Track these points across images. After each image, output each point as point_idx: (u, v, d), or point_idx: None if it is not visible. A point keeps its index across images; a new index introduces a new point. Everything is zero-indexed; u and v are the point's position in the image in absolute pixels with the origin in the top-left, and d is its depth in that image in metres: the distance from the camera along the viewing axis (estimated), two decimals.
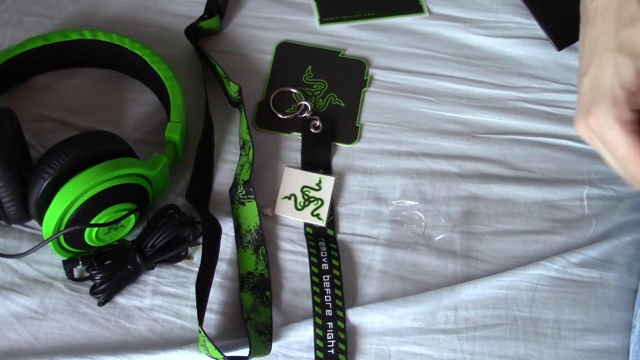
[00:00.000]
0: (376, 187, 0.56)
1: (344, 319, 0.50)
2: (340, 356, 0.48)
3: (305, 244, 0.53)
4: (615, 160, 0.37)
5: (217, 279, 0.51)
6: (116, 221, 0.48)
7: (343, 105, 0.60)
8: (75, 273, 0.51)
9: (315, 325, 0.49)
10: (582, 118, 0.37)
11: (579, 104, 0.39)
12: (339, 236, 0.54)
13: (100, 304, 0.50)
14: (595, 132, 0.36)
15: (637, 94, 0.36)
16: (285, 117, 0.59)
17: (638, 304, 0.52)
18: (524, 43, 0.63)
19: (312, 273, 0.52)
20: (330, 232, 0.54)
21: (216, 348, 0.45)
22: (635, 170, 0.36)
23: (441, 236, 0.54)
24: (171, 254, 0.50)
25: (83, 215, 0.46)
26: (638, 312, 0.51)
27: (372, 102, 0.60)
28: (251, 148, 0.55)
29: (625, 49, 0.36)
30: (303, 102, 0.59)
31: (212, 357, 0.47)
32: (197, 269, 0.50)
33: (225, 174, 0.56)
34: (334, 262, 0.52)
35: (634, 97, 0.36)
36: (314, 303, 0.50)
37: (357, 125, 0.59)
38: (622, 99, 0.36)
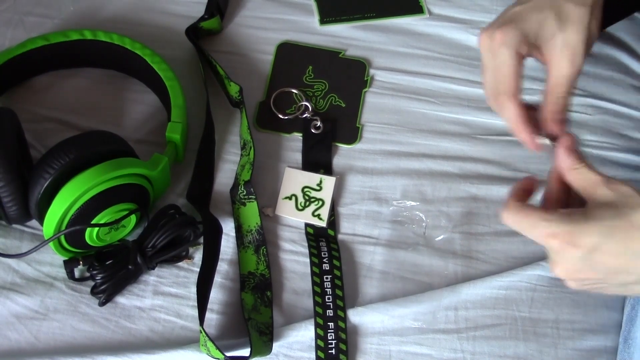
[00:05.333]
0: (377, 187, 0.56)
1: (344, 319, 0.50)
2: (341, 356, 0.49)
3: (306, 244, 0.53)
4: (493, 75, 0.45)
5: (218, 279, 0.51)
6: (117, 221, 0.48)
7: (343, 105, 0.60)
8: (76, 273, 0.50)
9: (316, 325, 0.49)
10: (492, 29, 0.44)
11: (501, 18, 0.45)
12: (340, 236, 0.54)
13: (101, 304, 0.50)
14: (493, 43, 0.44)
15: (536, 50, 0.44)
16: (286, 117, 0.59)
17: None
18: None
19: (313, 273, 0.52)
20: (331, 232, 0.54)
21: (217, 348, 0.45)
22: (507, 87, 0.44)
23: (442, 237, 0.54)
24: (172, 254, 0.50)
25: (84, 215, 0.46)
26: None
27: (373, 103, 0.60)
28: (252, 148, 0.55)
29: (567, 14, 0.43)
30: (304, 103, 0.59)
31: (213, 357, 0.47)
32: (198, 269, 0.50)
33: (226, 174, 0.56)
34: (335, 262, 0.52)
35: (534, 50, 0.44)
36: (315, 303, 0.50)
37: (357, 125, 0.59)
38: (529, 40, 0.43)
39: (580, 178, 0.41)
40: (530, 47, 0.44)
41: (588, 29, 0.44)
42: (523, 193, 0.42)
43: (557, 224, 0.38)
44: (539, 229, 0.39)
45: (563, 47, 0.44)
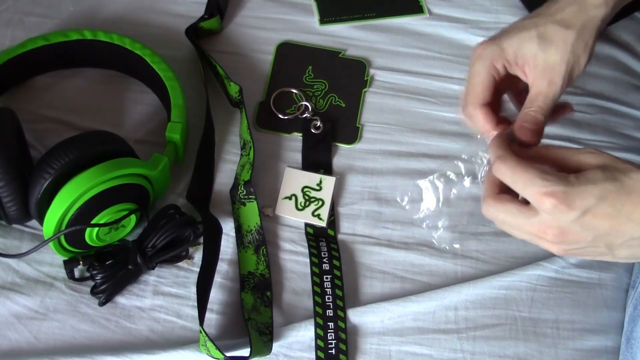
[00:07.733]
0: (377, 187, 0.56)
1: (344, 319, 0.50)
2: (341, 356, 0.49)
3: (306, 244, 0.53)
4: (467, 85, 0.48)
5: (217, 279, 0.51)
6: (117, 221, 0.48)
7: (343, 105, 0.60)
8: (76, 273, 0.51)
9: (316, 325, 0.49)
10: (487, 40, 0.47)
11: (500, 35, 0.47)
12: (340, 236, 0.54)
13: (101, 304, 0.50)
14: (474, 56, 0.47)
15: (519, 68, 0.46)
16: (286, 117, 0.59)
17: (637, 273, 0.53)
18: None
19: (312, 273, 0.52)
20: (331, 232, 0.54)
21: (217, 348, 0.45)
22: (475, 97, 0.47)
23: (442, 237, 0.54)
24: (172, 254, 0.50)
25: (84, 215, 0.46)
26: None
27: (373, 103, 0.60)
28: (252, 148, 0.55)
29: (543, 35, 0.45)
30: (303, 103, 0.59)
31: (212, 357, 0.47)
32: (198, 269, 0.50)
33: (226, 174, 0.56)
34: (335, 262, 0.52)
35: (516, 68, 0.46)
36: (315, 303, 0.50)
37: (357, 125, 0.59)
38: (507, 60, 0.45)
39: (558, 151, 0.42)
40: (510, 64, 0.45)
41: (572, 51, 0.44)
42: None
43: (555, 184, 0.38)
44: (536, 187, 0.39)
45: (542, 67, 0.44)
